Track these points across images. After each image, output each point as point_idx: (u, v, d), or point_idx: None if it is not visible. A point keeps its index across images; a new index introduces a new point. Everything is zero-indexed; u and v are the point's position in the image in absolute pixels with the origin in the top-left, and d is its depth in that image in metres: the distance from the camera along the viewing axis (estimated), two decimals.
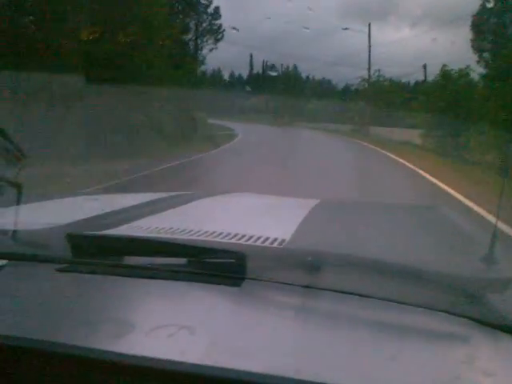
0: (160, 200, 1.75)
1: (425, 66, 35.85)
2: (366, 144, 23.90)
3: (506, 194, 1.09)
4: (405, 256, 0.98)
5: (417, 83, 38.89)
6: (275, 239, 1.06)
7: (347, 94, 48.23)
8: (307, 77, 66.82)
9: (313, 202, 1.68)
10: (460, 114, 16.48)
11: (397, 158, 16.44)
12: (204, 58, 27.90)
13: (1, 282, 0.89)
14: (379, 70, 34.86)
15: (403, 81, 38.68)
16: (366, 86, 34.23)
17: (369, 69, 33.42)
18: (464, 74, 19.20)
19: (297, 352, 0.67)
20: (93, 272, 0.88)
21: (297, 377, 0.58)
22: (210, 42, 27.36)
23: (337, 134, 32.47)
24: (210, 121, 32.29)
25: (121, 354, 0.62)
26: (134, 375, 0.62)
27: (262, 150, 17.93)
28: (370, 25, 33.98)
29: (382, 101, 31.09)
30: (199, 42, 25.87)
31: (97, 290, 0.86)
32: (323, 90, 57.92)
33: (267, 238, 1.06)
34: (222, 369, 0.59)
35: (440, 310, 0.75)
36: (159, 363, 0.61)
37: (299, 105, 49.28)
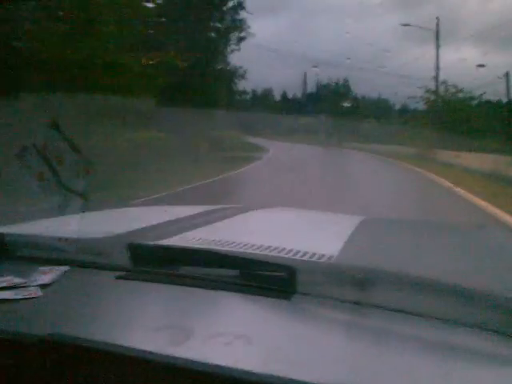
0: (209, 212, 1.80)
1: (507, 74, 28.82)
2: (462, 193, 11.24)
3: None
4: (455, 275, 0.94)
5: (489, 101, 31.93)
6: (323, 255, 1.07)
7: (405, 113, 42.64)
8: (363, 96, 61.83)
9: (358, 219, 1.67)
10: None
11: None
12: (228, 62, 23.00)
13: (63, 287, 0.93)
14: (445, 82, 27.45)
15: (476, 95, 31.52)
16: (432, 98, 27.30)
17: (437, 77, 26.37)
18: None
19: (347, 366, 0.68)
20: (150, 280, 0.91)
21: None
22: (232, 42, 22.25)
23: (396, 161, 22.86)
24: (251, 140, 32.11)
25: (179, 358, 0.64)
26: (191, 380, 0.64)
27: (279, 181, 12.15)
28: (438, 19, 26.98)
29: (454, 117, 24.34)
30: (218, 41, 20.83)
31: (154, 297, 0.89)
32: (380, 109, 51.99)
33: (314, 254, 1.08)
34: (280, 378, 0.61)
35: (491, 331, 0.75)
36: (217, 369, 0.63)
37: (353, 125, 44.07)
